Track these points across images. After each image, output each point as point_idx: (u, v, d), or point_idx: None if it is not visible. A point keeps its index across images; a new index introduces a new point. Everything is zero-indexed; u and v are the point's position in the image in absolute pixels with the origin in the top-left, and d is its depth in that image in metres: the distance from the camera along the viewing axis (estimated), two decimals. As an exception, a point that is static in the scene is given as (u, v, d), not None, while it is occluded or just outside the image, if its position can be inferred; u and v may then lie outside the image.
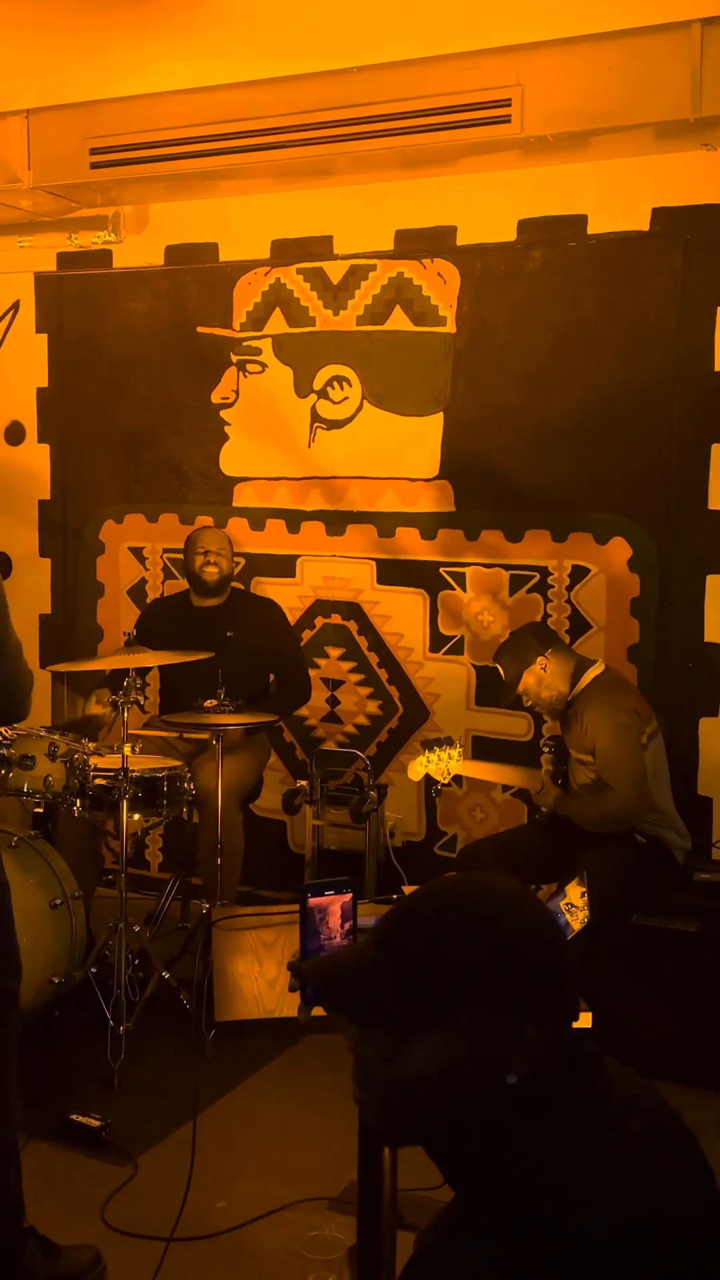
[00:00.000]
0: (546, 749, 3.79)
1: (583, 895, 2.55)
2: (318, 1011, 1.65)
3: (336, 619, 4.62)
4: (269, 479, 4.68)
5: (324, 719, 4.64)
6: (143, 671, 3.78)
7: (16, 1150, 2.46)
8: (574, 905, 2.55)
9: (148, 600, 4.88)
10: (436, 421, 4.37)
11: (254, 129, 4.00)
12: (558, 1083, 1.20)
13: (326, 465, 4.57)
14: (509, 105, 3.65)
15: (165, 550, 4.88)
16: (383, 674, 4.55)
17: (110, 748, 3.79)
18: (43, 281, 5.02)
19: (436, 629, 4.44)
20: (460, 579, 4.38)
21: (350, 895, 1.63)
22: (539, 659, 3.63)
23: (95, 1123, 3.10)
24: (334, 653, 4.63)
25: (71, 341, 5.01)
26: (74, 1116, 3.12)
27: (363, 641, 4.58)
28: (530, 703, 3.73)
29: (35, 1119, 3.00)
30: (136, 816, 3.63)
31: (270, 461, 4.67)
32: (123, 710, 3.52)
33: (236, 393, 4.71)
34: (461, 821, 4.45)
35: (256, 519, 4.71)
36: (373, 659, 4.56)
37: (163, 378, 4.83)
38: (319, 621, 4.64)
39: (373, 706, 4.58)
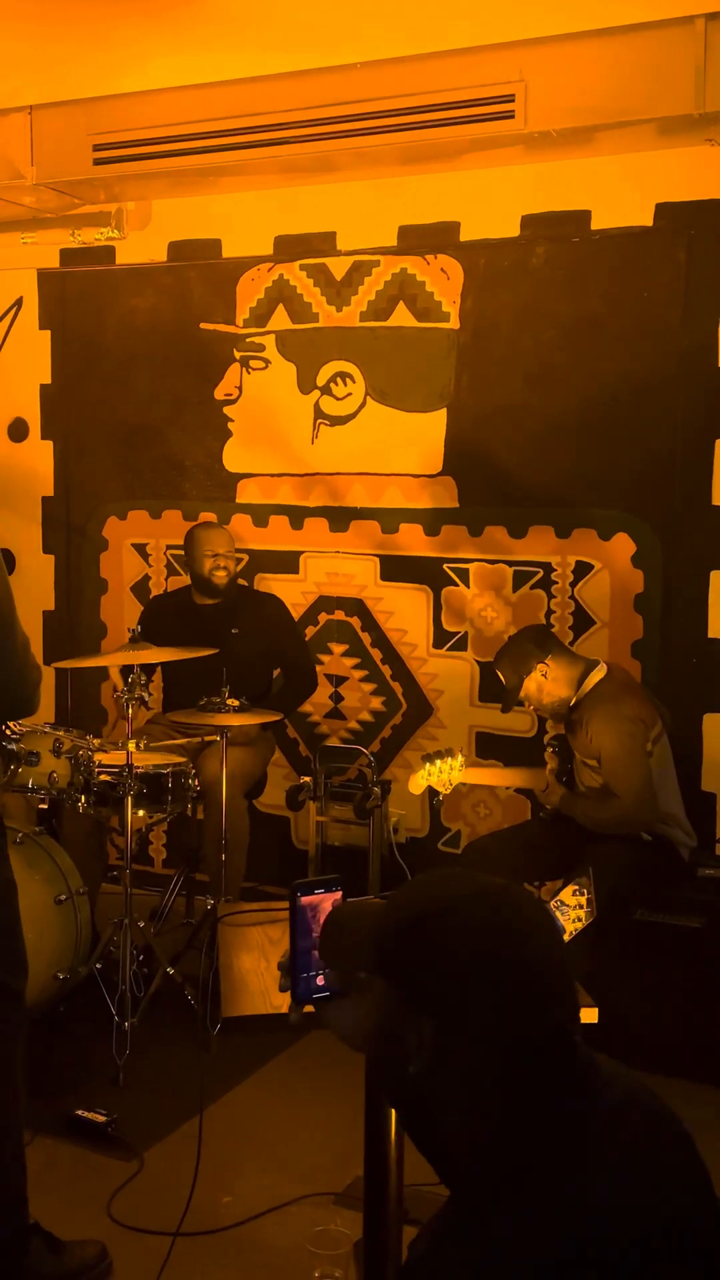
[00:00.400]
0: (551, 747, 3.78)
1: (576, 894, 2.55)
2: (308, 1009, 1.65)
3: (340, 615, 4.62)
4: (272, 475, 4.68)
5: (328, 715, 4.64)
6: (148, 668, 3.79)
7: (21, 1147, 2.47)
8: (564, 904, 2.55)
9: (151, 596, 4.88)
10: (440, 418, 4.36)
11: (257, 125, 3.99)
12: (548, 1084, 1.20)
13: (330, 462, 4.57)
14: (513, 101, 3.64)
15: (169, 546, 4.88)
16: (386, 670, 4.55)
17: (115, 744, 3.79)
18: (46, 278, 5.02)
19: (440, 625, 4.44)
20: (464, 575, 4.38)
21: (340, 893, 1.62)
22: (539, 665, 3.60)
23: (101, 1118, 3.11)
24: (337, 649, 4.63)
25: (74, 338, 5.01)
26: (80, 1112, 3.12)
27: (366, 638, 4.58)
28: (532, 708, 3.72)
29: (41, 1114, 3.01)
30: (141, 812, 3.64)
31: (273, 458, 4.67)
32: (127, 707, 3.52)
33: (239, 389, 4.70)
34: (465, 818, 4.45)
35: (260, 515, 4.71)
36: (376, 655, 4.57)
37: (166, 374, 4.83)
38: (322, 618, 4.64)
39: (376, 703, 4.58)
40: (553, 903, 2.57)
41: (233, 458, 4.75)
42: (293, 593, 4.62)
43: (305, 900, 1.59)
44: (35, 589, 5.04)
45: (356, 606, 4.59)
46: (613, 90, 3.57)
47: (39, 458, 5.11)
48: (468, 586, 4.38)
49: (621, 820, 3.52)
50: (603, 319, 4.08)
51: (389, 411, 4.45)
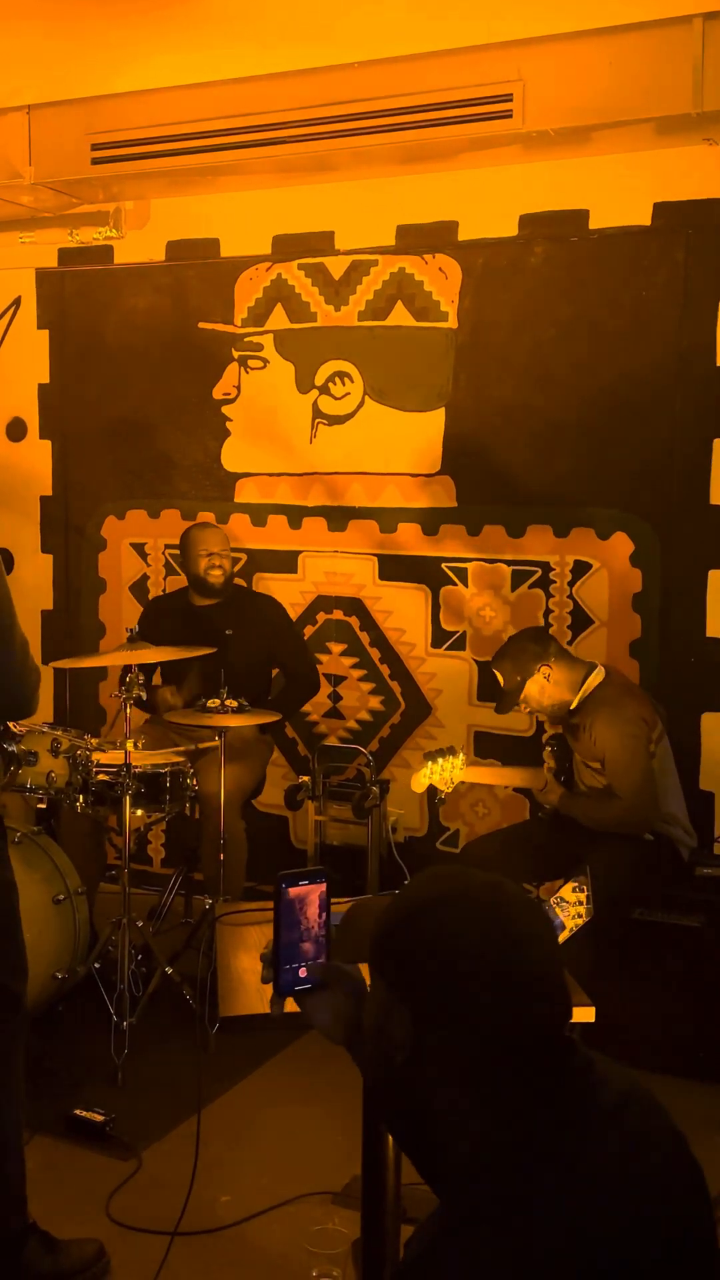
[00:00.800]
0: (550, 746, 3.78)
1: (575, 891, 2.55)
2: (290, 1008, 1.64)
3: (338, 615, 4.62)
4: (270, 475, 4.68)
5: (326, 714, 4.65)
6: (148, 669, 3.79)
7: (20, 1149, 2.47)
8: (565, 901, 2.55)
9: (150, 596, 4.88)
10: (438, 417, 4.37)
11: (255, 124, 3.99)
12: (540, 1083, 1.19)
13: (328, 461, 4.57)
14: (510, 100, 3.64)
15: (167, 546, 4.88)
16: (385, 670, 4.56)
17: (113, 743, 3.79)
18: (44, 277, 5.02)
19: (438, 624, 4.44)
20: (462, 574, 4.38)
21: (325, 885, 1.61)
22: (542, 668, 3.59)
23: (99, 1118, 3.11)
24: (336, 648, 4.63)
25: (73, 337, 5.01)
26: (78, 1111, 3.13)
27: (365, 637, 4.58)
28: (530, 711, 3.71)
29: (39, 1114, 3.01)
30: (139, 812, 3.63)
31: (272, 457, 4.67)
32: (125, 706, 3.52)
33: (238, 388, 4.70)
34: (464, 817, 4.45)
35: (258, 515, 4.71)
36: (374, 655, 4.57)
37: (164, 374, 4.83)
38: (321, 617, 4.64)
39: (375, 702, 4.58)
40: (552, 899, 2.57)
41: (231, 457, 4.75)
42: (291, 592, 4.62)
43: (295, 892, 1.59)
44: (34, 588, 5.04)
45: (355, 606, 4.59)
46: (611, 90, 3.57)
47: (37, 457, 5.11)
48: (466, 586, 4.38)
49: (623, 820, 3.53)
50: (601, 318, 4.08)
51: (387, 411, 4.45)
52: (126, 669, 3.57)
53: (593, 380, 4.11)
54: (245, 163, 4.15)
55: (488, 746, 4.35)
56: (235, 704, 3.75)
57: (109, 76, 4.16)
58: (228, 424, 4.73)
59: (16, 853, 3.49)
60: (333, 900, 1.66)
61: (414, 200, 4.32)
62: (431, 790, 3.73)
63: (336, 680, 4.63)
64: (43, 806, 3.95)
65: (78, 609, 5.08)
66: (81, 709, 5.00)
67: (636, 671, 4.06)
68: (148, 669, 4.27)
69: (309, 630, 4.64)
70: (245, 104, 4.00)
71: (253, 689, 4.09)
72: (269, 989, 1.60)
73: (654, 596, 4.08)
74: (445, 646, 4.44)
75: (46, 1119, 3.08)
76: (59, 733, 3.71)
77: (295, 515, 4.64)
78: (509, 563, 4.30)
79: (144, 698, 3.58)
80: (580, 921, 2.57)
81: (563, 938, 2.44)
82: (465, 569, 4.37)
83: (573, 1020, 1.25)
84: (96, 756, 3.64)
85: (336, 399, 4.53)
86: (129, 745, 3.52)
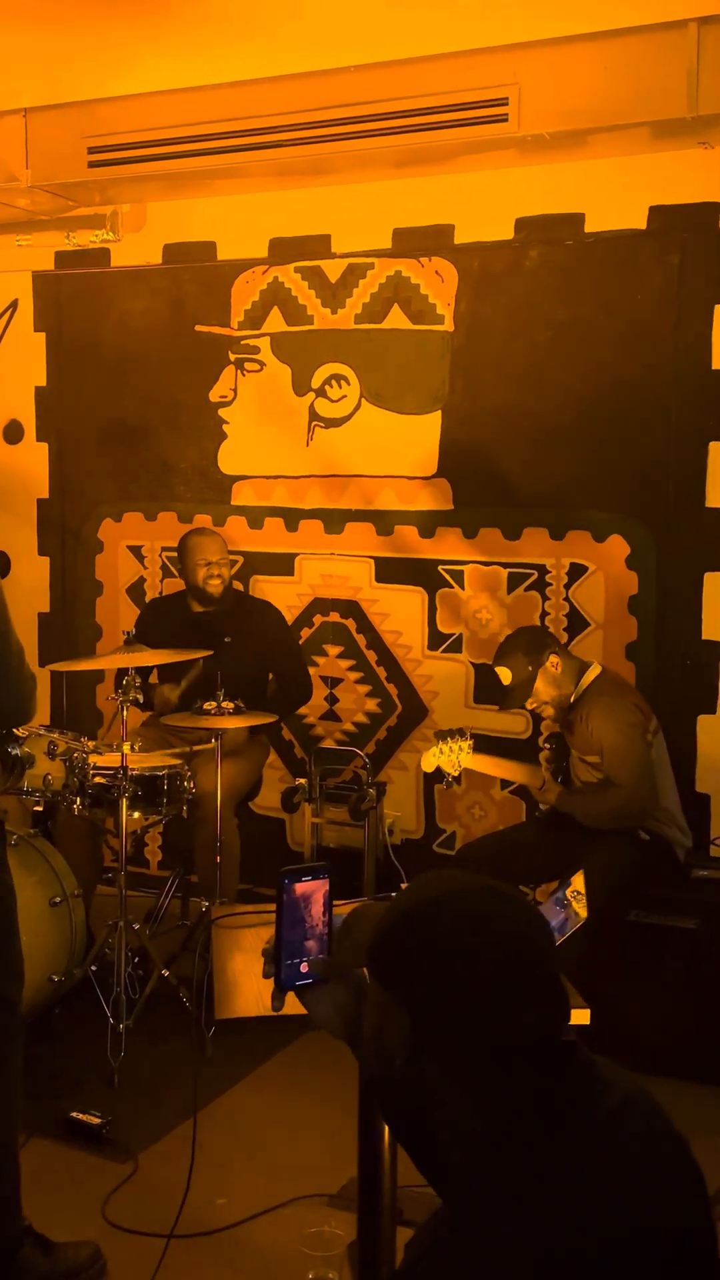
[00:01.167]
0: (546, 746, 3.80)
1: (572, 893, 2.56)
2: (292, 1005, 1.64)
3: (335, 617, 4.62)
4: (267, 477, 4.69)
5: (322, 717, 4.65)
6: (144, 672, 3.78)
7: (14, 1154, 2.47)
8: (561, 903, 2.56)
9: (146, 599, 4.88)
10: (434, 419, 4.37)
11: (252, 128, 4.00)
12: (541, 1085, 1.20)
13: (325, 463, 4.57)
14: (506, 104, 3.65)
15: (164, 549, 4.88)
16: (381, 672, 4.56)
17: (110, 746, 3.79)
18: (41, 280, 5.02)
19: (435, 627, 4.45)
20: (458, 577, 4.39)
21: (328, 881, 1.61)
22: (551, 655, 3.64)
23: (95, 1120, 3.11)
24: (332, 651, 4.63)
25: (70, 340, 5.01)
26: (74, 1114, 3.13)
27: (361, 639, 4.59)
28: (535, 705, 3.72)
29: (35, 1116, 3.00)
30: (136, 814, 3.64)
31: (268, 460, 4.68)
32: (121, 709, 3.52)
33: (235, 391, 4.71)
34: (460, 819, 4.46)
35: (255, 517, 4.71)
36: (371, 657, 4.57)
37: (161, 376, 4.83)
38: (317, 619, 4.65)
39: (371, 704, 4.59)
40: (549, 902, 2.58)
41: (228, 460, 4.75)
42: (288, 595, 4.63)
43: (298, 888, 1.59)
44: (30, 591, 5.04)
45: (351, 608, 4.59)
46: (606, 94, 3.58)
47: (34, 460, 5.11)
48: (463, 588, 4.39)
49: (622, 810, 3.53)
50: (597, 321, 4.09)
51: (384, 413, 4.45)
52: (123, 672, 3.57)
53: (589, 383, 4.11)
54: (242, 166, 4.16)
55: (484, 749, 4.32)
56: (232, 705, 3.75)
57: (106, 80, 4.17)
58: (224, 426, 4.74)
59: (13, 855, 3.48)
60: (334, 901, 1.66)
61: (410, 203, 4.33)
62: (445, 784, 3.76)
63: (333, 683, 4.64)
64: (39, 809, 3.95)
65: (74, 611, 5.08)
66: (78, 712, 5.00)
67: (633, 674, 4.06)
68: (146, 670, 4.28)
69: (305, 633, 4.64)
70: (241, 107, 4.01)
71: (249, 695, 4.09)
72: (266, 991, 1.60)
73: (650, 599, 4.09)
74: (442, 649, 4.45)
75: (43, 1121, 3.08)
76: (56, 735, 3.72)
77: (292, 518, 4.65)
78: (505, 565, 4.30)
79: (140, 700, 3.58)
80: (577, 923, 2.57)
81: (560, 940, 2.44)
82: (462, 571, 4.38)
83: (570, 1022, 1.26)
84: (93, 759, 3.64)
85: (333, 402, 4.54)
86: (126, 748, 3.52)
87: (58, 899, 3.57)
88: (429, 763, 3.74)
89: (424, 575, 4.44)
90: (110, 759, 3.64)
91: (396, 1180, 1.89)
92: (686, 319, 3.95)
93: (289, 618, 4.56)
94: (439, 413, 4.36)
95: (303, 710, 4.55)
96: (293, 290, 4.56)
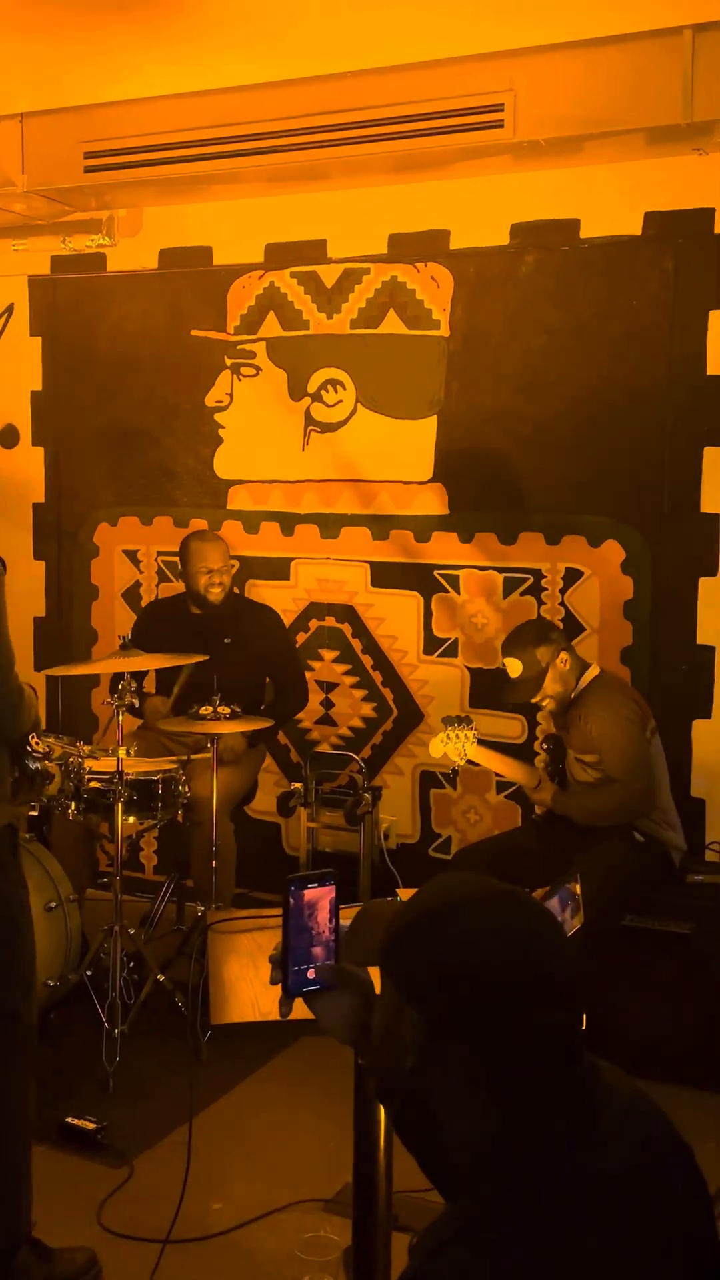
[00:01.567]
0: (543, 749, 3.81)
1: (568, 897, 2.57)
2: (300, 1011, 1.65)
3: (331, 622, 4.62)
4: (263, 482, 4.69)
5: (318, 721, 4.65)
6: (140, 677, 3.78)
7: (16, 1165, 2.47)
8: (575, 897, 2.57)
9: (142, 603, 4.88)
10: (430, 425, 4.38)
11: (248, 133, 4.00)
12: (549, 1091, 1.20)
13: (320, 468, 4.57)
14: (502, 110, 3.66)
15: (160, 553, 4.88)
16: (377, 676, 4.56)
17: (105, 750, 3.79)
18: (37, 285, 5.03)
19: (431, 631, 4.45)
20: (454, 581, 4.39)
21: (334, 887, 1.62)
22: (563, 654, 3.67)
23: (91, 1125, 3.11)
24: (328, 655, 4.64)
25: (66, 345, 5.01)
26: (70, 1119, 3.12)
27: (357, 644, 4.59)
28: (540, 698, 3.73)
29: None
30: (131, 819, 3.64)
31: (264, 464, 4.68)
32: (117, 713, 3.52)
33: (231, 396, 4.71)
34: (456, 824, 4.46)
35: (251, 522, 4.72)
36: (367, 661, 4.57)
37: (157, 381, 4.83)
38: (313, 624, 4.65)
39: (367, 709, 4.59)
40: (549, 903, 2.58)
41: (224, 464, 4.75)
42: (284, 599, 4.63)
43: (305, 895, 1.60)
44: (26, 595, 5.03)
45: (347, 613, 4.59)
46: (601, 100, 3.59)
47: (30, 464, 5.11)
48: (458, 593, 4.39)
49: (620, 806, 3.54)
50: (592, 327, 4.10)
51: (379, 418, 4.46)
52: (119, 676, 3.57)
53: (584, 389, 4.12)
54: (238, 171, 4.16)
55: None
56: (228, 710, 3.75)
57: (102, 85, 4.17)
58: (220, 431, 4.74)
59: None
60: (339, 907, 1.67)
61: (406, 209, 4.33)
62: (452, 772, 3.76)
63: (329, 687, 4.64)
64: (34, 813, 3.95)
65: (70, 616, 5.08)
66: (74, 716, 5.00)
67: (628, 679, 4.06)
68: (141, 674, 4.28)
69: (301, 637, 4.64)
70: (238, 113, 4.02)
71: (246, 698, 4.09)
72: (261, 996, 1.61)
73: (645, 604, 4.09)
74: (437, 653, 4.45)
75: (38, 1127, 3.06)
76: (51, 739, 3.71)
77: (288, 522, 4.65)
78: (501, 570, 4.31)
79: (136, 705, 3.58)
80: (575, 926, 2.58)
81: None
82: (457, 576, 4.38)
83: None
84: (89, 764, 3.64)
85: (329, 406, 4.54)
86: (121, 752, 3.52)
87: (53, 904, 3.57)
88: (436, 749, 3.75)
89: (420, 580, 4.45)
90: (105, 763, 3.64)
91: (392, 1185, 1.89)
92: (682, 324, 3.96)
93: (285, 622, 4.56)
94: (435, 418, 4.37)
95: (299, 715, 4.55)
96: (289, 295, 4.57)
